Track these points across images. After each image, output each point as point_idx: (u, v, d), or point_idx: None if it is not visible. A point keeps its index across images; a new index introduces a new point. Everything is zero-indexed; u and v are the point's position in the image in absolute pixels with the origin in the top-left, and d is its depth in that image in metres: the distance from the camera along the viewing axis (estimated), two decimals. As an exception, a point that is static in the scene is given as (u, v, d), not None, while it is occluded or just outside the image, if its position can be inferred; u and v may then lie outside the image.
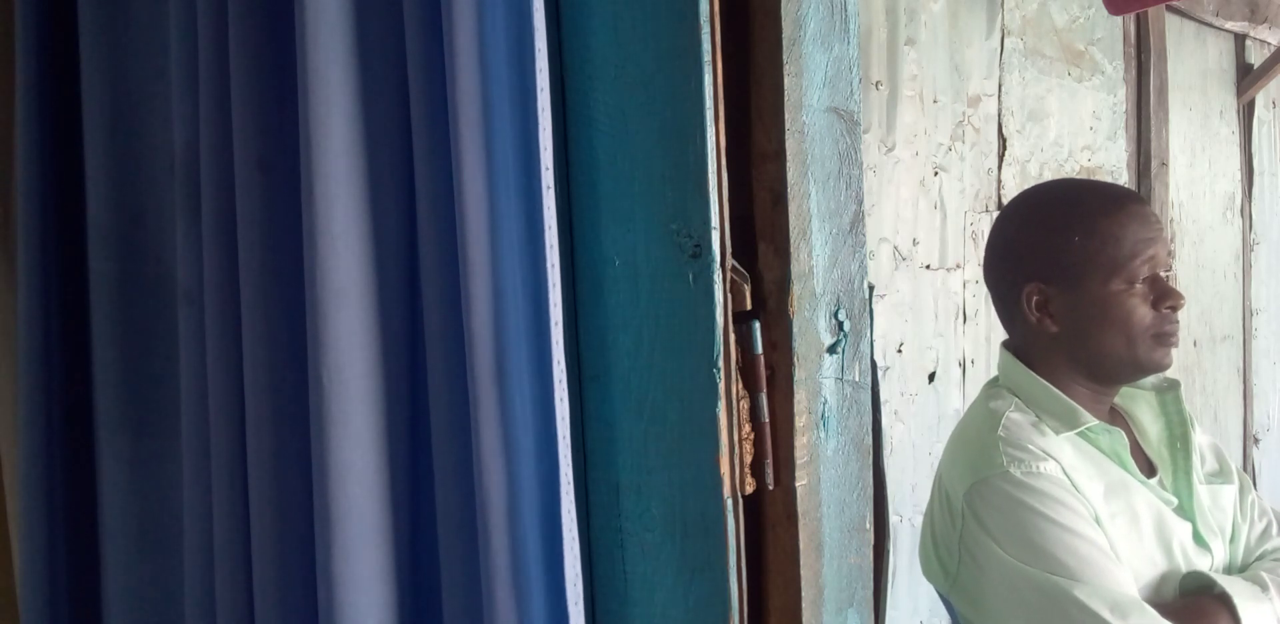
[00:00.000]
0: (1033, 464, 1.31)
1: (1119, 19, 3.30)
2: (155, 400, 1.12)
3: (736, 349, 0.90)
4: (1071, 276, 1.36)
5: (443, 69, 0.85)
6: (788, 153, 0.90)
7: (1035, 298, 1.40)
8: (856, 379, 0.97)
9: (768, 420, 0.91)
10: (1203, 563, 1.37)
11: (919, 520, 2.76)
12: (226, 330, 0.97)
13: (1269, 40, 4.19)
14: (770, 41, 0.91)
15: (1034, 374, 1.42)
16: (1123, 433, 1.39)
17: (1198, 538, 1.38)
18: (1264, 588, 1.32)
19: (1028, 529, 1.28)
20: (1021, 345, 1.47)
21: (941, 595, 1.47)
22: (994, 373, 1.56)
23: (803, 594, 0.92)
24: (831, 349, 0.95)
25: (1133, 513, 1.34)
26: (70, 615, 1.17)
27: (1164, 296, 1.37)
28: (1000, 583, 1.30)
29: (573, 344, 0.95)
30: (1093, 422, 1.36)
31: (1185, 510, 1.39)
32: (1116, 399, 1.48)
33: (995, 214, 2.94)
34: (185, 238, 1.03)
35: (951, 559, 1.38)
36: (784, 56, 0.90)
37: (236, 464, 0.96)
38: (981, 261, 1.53)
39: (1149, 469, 1.44)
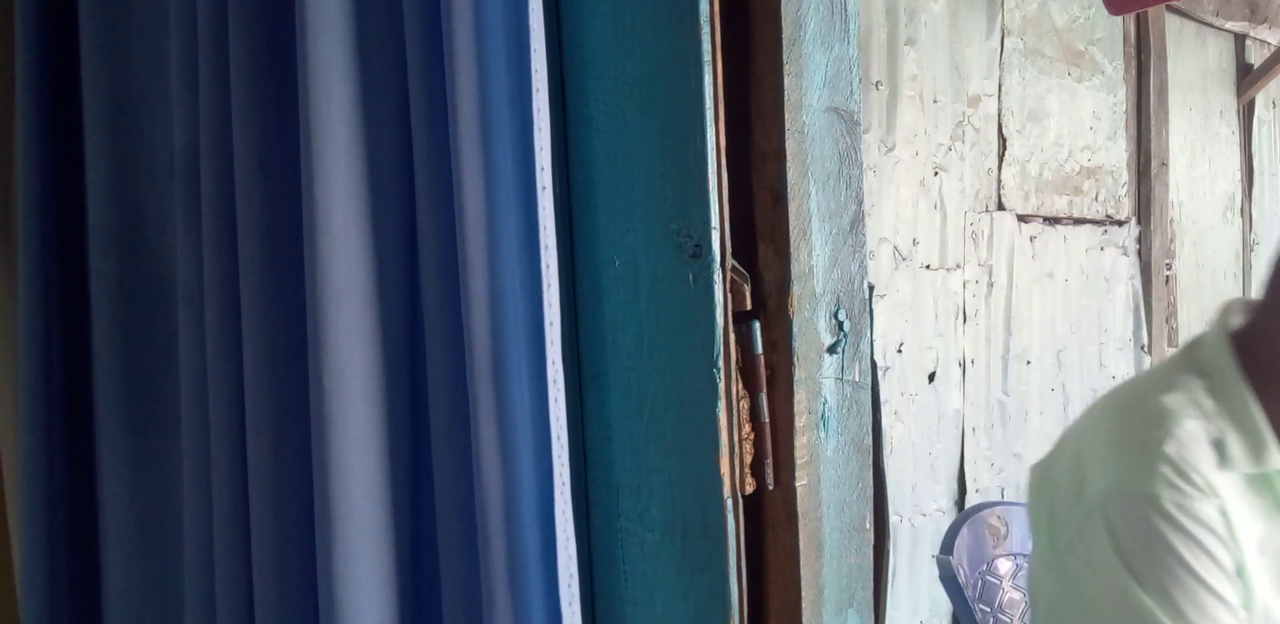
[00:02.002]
0: (1189, 499, 1.12)
1: (1119, 19, 3.30)
2: (155, 400, 1.12)
3: (736, 349, 0.90)
4: None
5: (442, 70, 0.85)
6: (788, 153, 0.90)
7: None
8: (856, 379, 0.97)
9: (768, 420, 0.91)
10: None
11: (919, 520, 2.77)
12: (226, 331, 0.97)
13: (1269, 40, 4.19)
14: (770, 41, 0.91)
15: (1241, 380, 1.15)
16: None
17: None
18: None
19: (1157, 564, 1.12)
20: (1263, 329, 1.19)
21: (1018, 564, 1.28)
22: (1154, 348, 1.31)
23: (803, 594, 0.92)
24: (831, 349, 0.95)
25: None
26: (70, 615, 1.17)
27: None
28: (1105, 592, 1.14)
29: (573, 344, 0.95)
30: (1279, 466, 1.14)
31: None
32: None
33: (995, 214, 2.94)
34: (185, 238, 1.03)
35: (1064, 534, 1.19)
36: (784, 56, 0.90)
37: (236, 464, 0.96)
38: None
39: None
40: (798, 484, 0.91)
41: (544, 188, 0.84)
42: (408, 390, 0.91)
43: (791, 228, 0.91)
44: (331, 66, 0.88)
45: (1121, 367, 3.45)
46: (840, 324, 0.95)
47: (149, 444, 1.13)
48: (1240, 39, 4.07)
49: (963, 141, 2.81)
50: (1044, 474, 1.24)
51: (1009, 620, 2.06)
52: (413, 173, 0.89)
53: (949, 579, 2.01)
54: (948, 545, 2.04)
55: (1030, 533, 1.23)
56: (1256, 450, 1.13)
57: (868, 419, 0.98)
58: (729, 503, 0.89)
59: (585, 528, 0.96)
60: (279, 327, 0.94)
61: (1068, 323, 3.23)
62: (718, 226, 0.88)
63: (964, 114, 2.81)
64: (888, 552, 2.59)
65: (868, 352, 0.98)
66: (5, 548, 1.29)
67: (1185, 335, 3.76)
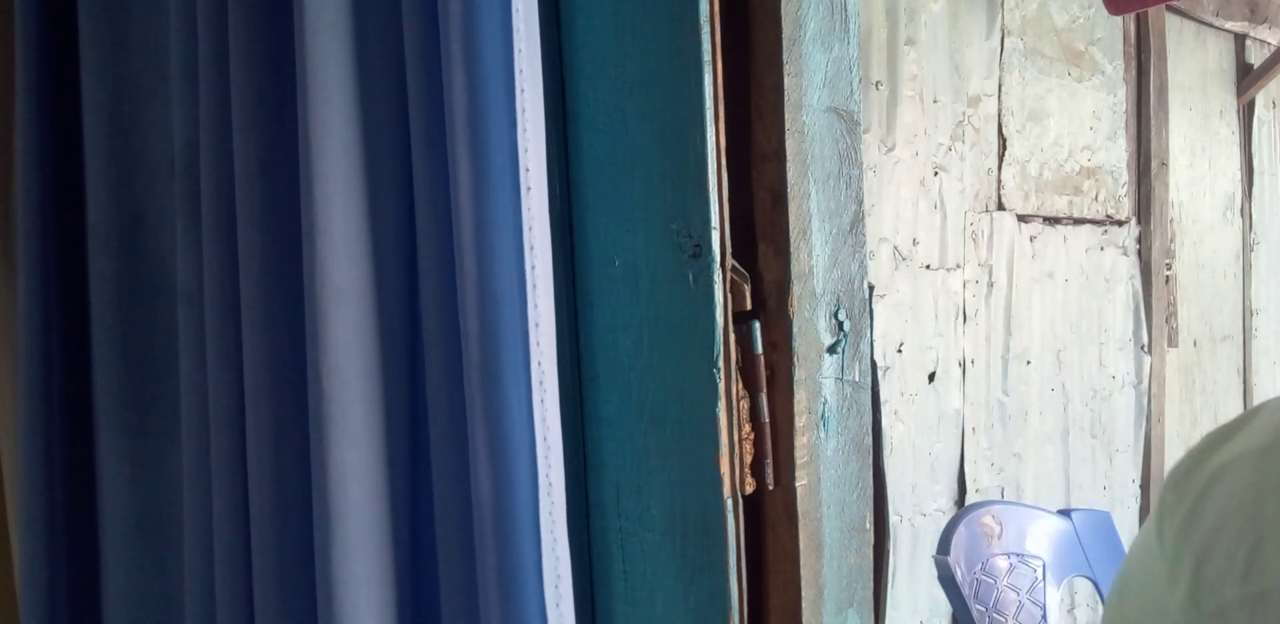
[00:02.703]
0: None
1: (1119, 19, 3.30)
2: (155, 400, 1.12)
3: (736, 349, 0.90)
4: None
5: (440, 70, 0.85)
6: (788, 153, 0.90)
7: None
8: (856, 379, 0.97)
9: (768, 420, 0.91)
10: None
11: (919, 520, 2.77)
12: (226, 330, 0.97)
13: (1269, 40, 4.19)
14: (770, 41, 0.91)
15: None
16: None
17: None
18: None
19: None
20: None
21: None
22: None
23: (803, 594, 0.92)
24: (831, 349, 0.95)
25: None
26: (70, 615, 1.17)
27: None
28: None
29: (572, 344, 0.95)
30: None
31: None
32: None
33: (995, 214, 2.94)
34: (185, 238, 1.03)
35: (1211, 599, 0.85)
36: (784, 56, 0.90)
37: (236, 464, 0.96)
38: None
39: None
40: (798, 484, 0.91)
41: (529, 189, 0.84)
42: (407, 390, 0.91)
43: (791, 228, 0.91)
44: (331, 66, 0.88)
45: (1121, 366, 3.45)
46: (840, 324, 0.95)
47: (149, 444, 1.13)
48: (1240, 39, 4.07)
49: (963, 141, 2.81)
50: (1196, 505, 0.81)
51: (1004, 619, 2.06)
52: (411, 173, 0.89)
53: (947, 579, 2.01)
54: (944, 546, 2.04)
55: (1156, 564, 0.87)
56: None
57: (868, 419, 0.98)
58: (729, 503, 0.89)
59: (585, 528, 0.96)
60: (279, 326, 0.94)
61: (1068, 323, 3.23)
62: (718, 226, 0.88)
63: (964, 114, 2.81)
64: (888, 552, 2.60)
65: (868, 352, 0.98)
66: (5, 548, 1.29)
67: (1185, 335, 3.76)
